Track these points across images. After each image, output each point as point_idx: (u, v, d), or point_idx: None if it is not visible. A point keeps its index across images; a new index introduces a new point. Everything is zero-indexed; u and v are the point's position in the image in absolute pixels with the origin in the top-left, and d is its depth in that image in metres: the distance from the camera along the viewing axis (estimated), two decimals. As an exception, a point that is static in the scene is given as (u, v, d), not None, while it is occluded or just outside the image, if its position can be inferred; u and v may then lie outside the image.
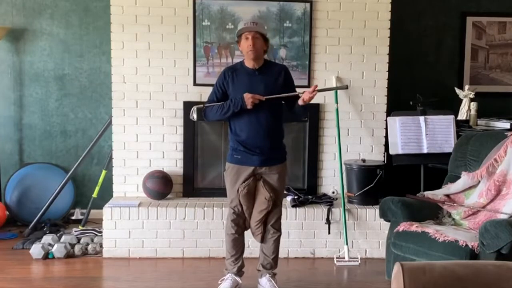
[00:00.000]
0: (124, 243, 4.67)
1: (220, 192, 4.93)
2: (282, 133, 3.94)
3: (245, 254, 4.05)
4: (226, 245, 3.98)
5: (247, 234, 4.02)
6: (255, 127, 3.77)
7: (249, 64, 3.81)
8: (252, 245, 4.44)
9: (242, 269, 3.99)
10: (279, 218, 3.95)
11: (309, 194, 4.99)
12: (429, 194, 4.15)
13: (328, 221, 4.69)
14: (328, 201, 4.86)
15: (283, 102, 3.87)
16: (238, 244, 3.94)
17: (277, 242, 3.95)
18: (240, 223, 3.91)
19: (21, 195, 5.51)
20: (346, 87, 4.25)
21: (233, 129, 3.84)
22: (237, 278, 3.94)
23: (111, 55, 4.94)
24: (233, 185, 3.84)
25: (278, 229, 3.94)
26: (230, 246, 3.94)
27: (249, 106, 3.68)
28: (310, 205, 4.81)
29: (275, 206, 3.89)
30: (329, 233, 4.70)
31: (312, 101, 4.85)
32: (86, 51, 5.55)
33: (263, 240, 3.94)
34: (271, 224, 3.90)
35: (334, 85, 4.96)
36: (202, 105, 3.86)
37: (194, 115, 3.85)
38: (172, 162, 5.04)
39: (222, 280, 3.95)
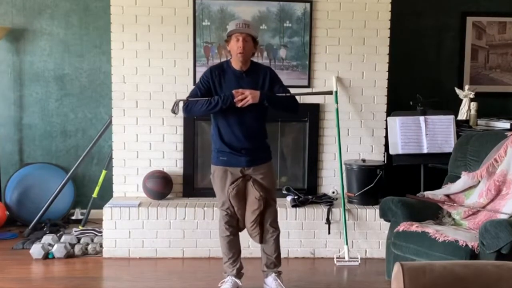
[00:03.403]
0: (124, 243, 4.67)
1: (220, 192, 4.94)
2: (265, 133, 3.93)
3: (245, 255, 4.05)
4: (222, 248, 3.95)
5: (246, 234, 4.01)
6: (241, 127, 3.75)
7: (236, 65, 3.78)
8: (252, 245, 4.43)
9: (241, 271, 3.96)
10: (276, 216, 3.95)
11: (309, 194, 4.98)
12: (429, 194, 4.15)
13: (328, 221, 4.69)
14: (328, 201, 4.86)
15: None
16: (234, 246, 3.92)
17: (277, 240, 3.94)
18: (233, 224, 3.90)
19: (21, 195, 5.51)
20: (331, 93, 4.27)
21: (217, 131, 3.81)
22: (237, 281, 3.91)
23: (111, 55, 4.94)
24: (222, 187, 3.83)
25: (276, 227, 3.94)
26: (226, 249, 3.92)
27: (238, 104, 3.66)
28: (310, 205, 4.81)
29: (269, 205, 3.88)
30: (329, 233, 4.70)
31: (312, 101, 4.92)
32: (86, 51, 5.56)
33: (262, 240, 3.93)
34: (268, 223, 3.89)
35: (334, 86, 4.96)
36: (185, 99, 3.79)
37: (176, 109, 3.79)
38: (172, 162, 5.04)
39: (222, 283, 3.93)
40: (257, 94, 3.67)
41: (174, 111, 3.81)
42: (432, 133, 4.86)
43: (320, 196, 4.98)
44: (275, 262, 3.96)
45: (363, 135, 5.09)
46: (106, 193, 5.18)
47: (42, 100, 5.58)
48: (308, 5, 4.93)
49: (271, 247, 3.93)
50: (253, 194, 3.81)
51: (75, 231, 5.04)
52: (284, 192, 4.94)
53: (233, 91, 3.68)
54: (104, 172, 5.29)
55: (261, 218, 3.87)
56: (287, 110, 3.95)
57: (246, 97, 3.66)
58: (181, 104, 3.80)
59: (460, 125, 4.99)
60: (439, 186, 4.26)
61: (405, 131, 4.87)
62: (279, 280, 3.92)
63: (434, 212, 4.04)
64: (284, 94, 3.81)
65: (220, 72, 3.79)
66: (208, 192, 5.01)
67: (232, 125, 3.76)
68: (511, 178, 3.87)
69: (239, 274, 3.94)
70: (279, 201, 4.17)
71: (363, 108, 5.07)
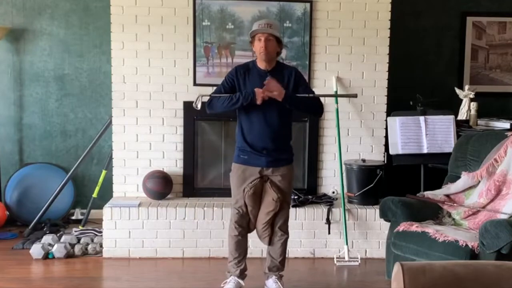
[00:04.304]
0: (124, 243, 4.67)
1: (220, 192, 4.94)
2: (290, 134, 3.92)
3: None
4: (229, 247, 3.94)
5: (249, 235, 3.99)
6: (263, 127, 3.75)
7: (261, 65, 3.79)
8: (252, 245, 4.42)
9: (245, 271, 3.95)
10: (287, 220, 3.93)
11: (309, 194, 4.99)
12: (429, 194, 4.15)
13: (328, 221, 4.69)
14: (328, 201, 4.86)
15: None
16: (241, 246, 3.90)
17: (284, 244, 3.92)
18: (243, 225, 3.88)
19: (21, 195, 5.51)
20: (355, 96, 4.28)
21: (240, 129, 3.82)
22: (240, 281, 3.90)
23: (111, 55, 4.94)
24: (239, 185, 3.81)
25: (285, 231, 3.92)
26: (233, 248, 3.90)
27: (258, 102, 3.66)
28: (310, 205, 4.81)
29: (282, 208, 3.86)
30: (329, 233, 4.70)
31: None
32: (86, 51, 5.56)
33: (270, 242, 3.92)
34: (278, 226, 3.88)
35: (334, 85, 4.96)
36: (208, 96, 3.83)
37: (198, 104, 3.80)
38: (172, 162, 5.04)
39: (225, 283, 3.92)
40: (283, 93, 3.67)
41: (196, 105, 3.82)
42: (432, 133, 4.86)
43: (320, 196, 4.99)
44: (278, 265, 3.95)
45: (363, 135, 5.09)
46: (106, 193, 5.18)
47: (42, 100, 5.58)
48: (308, 5, 4.93)
49: (277, 250, 3.91)
50: (271, 196, 3.80)
51: (75, 231, 5.04)
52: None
53: (265, 81, 3.64)
54: (104, 172, 5.29)
55: (272, 220, 3.86)
56: (310, 112, 3.95)
57: (273, 88, 3.65)
58: (203, 99, 3.82)
59: (460, 125, 4.99)
60: (439, 186, 4.26)
61: (405, 131, 4.87)
62: (279, 283, 3.91)
63: (434, 212, 4.04)
64: (307, 95, 3.80)
65: (245, 71, 3.81)
66: (208, 192, 5.04)
67: (254, 124, 3.77)
68: (511, 178, 3.87)
69: (242, 275, 3.92)
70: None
71: (363, 108, 5.07)
